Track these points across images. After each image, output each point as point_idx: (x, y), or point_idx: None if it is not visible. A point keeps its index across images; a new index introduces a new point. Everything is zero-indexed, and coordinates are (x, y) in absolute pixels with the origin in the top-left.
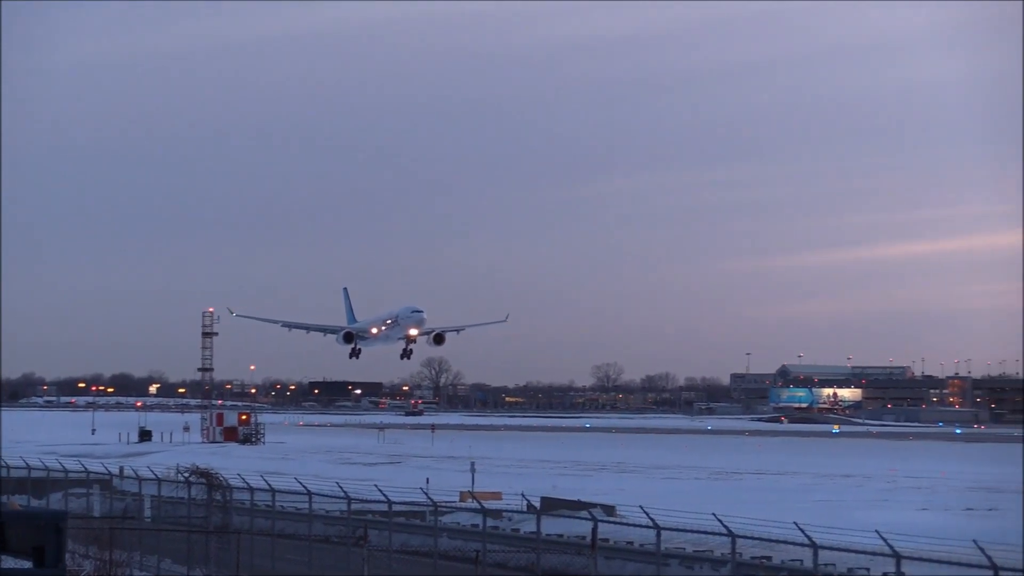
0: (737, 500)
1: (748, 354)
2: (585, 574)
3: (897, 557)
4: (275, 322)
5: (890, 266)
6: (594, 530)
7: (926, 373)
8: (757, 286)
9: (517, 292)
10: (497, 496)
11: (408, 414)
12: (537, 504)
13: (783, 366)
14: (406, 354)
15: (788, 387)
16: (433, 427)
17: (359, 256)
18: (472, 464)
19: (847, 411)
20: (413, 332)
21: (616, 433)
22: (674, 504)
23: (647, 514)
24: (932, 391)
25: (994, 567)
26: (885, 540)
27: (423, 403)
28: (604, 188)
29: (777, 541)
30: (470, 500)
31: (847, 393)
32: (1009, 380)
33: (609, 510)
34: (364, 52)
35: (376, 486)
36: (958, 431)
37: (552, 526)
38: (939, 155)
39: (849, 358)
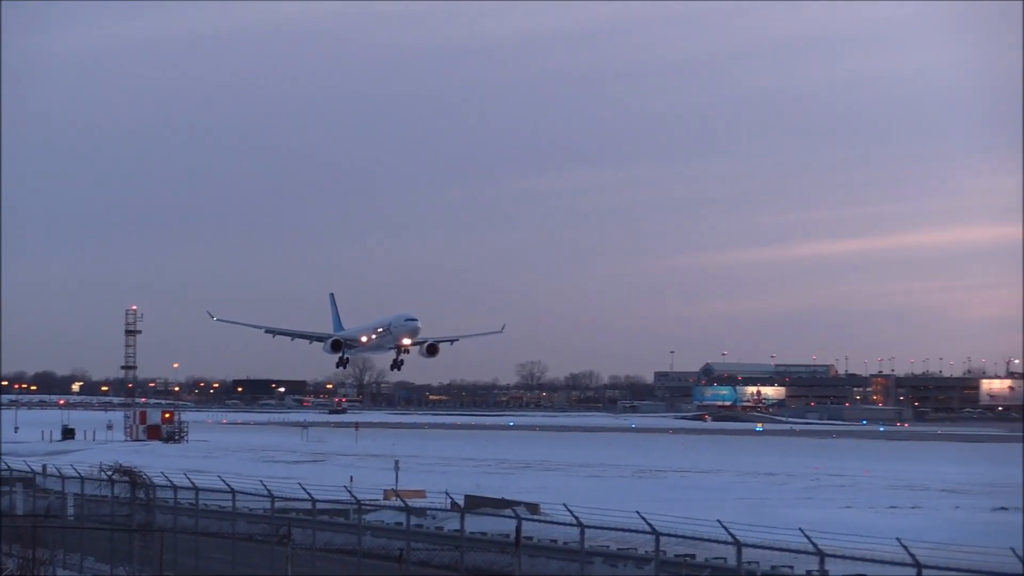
0: (661, 498)
1: (672, 352)
2: (509, 572)
3: (821, 555)
4: (257, 327)
5: (813, 264)
6: (518, 528)
7: (849, 371)
8: (681, 284)
9: (440, 290)
10: (421, 494)
11: (332, 412)
12: (461, 502)
13: (707, 364)
14: (396, 365)
15: (712, 385)
16: (357, 425)
17: (285, 252)
18: (396, 462)
19: (770, 409)
20: (406, 341)
21: (540, 431)
22: (598, 502)
23: (571, 512)
24: (855, 389)
25: (917, 565)
26: (809, 538)
27: (347, 401)
28: (529, 186)
29: (701, 539)
30: (394, 498)
31: (771, 391)
32: (932, 378)
33: (533, 508)
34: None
35: (300, 484)
36: (881, 429)
37: (476, 524)
38: (865, 154)
39: (773, 356)
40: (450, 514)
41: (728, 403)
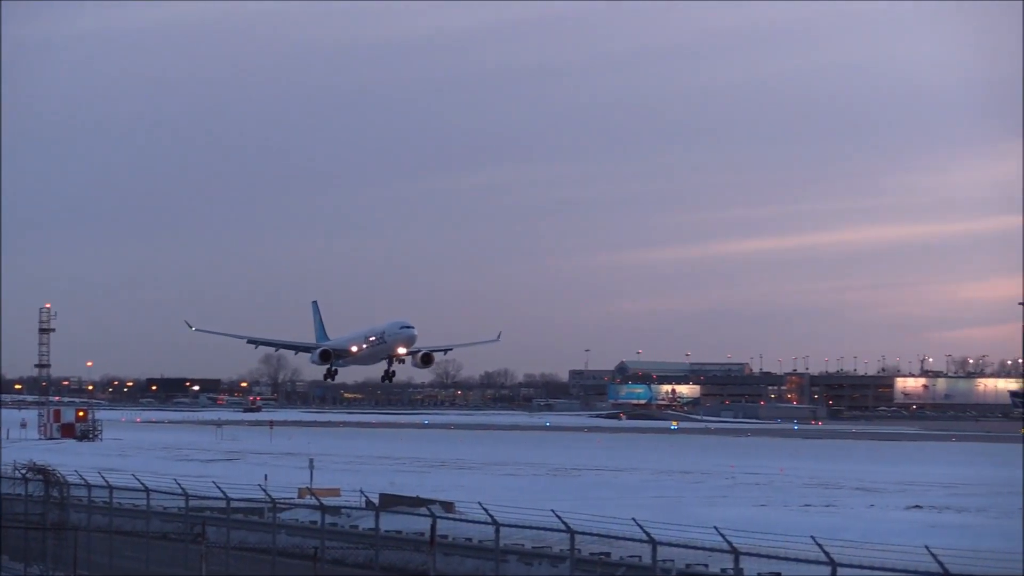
0: (576, 496)
1: (587, 351)
2: (424, 571)
3: (736, 553)
4: (239, 338)
5: (729, 263)
6: (433, 527)
7: (764, 370)
8: (596, 283)
9: (354, 287)
10: (336, 493)
11: (246, 410)
12: (376, 501)
13: (622, 363)
14: (388, 376)
15: (627, 384)
16: (271, 423)
17: (213, 249)
18: (311, 461)
19: (685, 407)
20: (401, 350)
21: (455, 430)
22: (513, 500)
23: (486, 510)
24: (770, 388)
25: (832, 563)
26: (724, 536)
27: (261, 399)
28: (443, 185)
29: (616, 537)
30: (308, 497)
31: (685, 389)
32: (846, 376)
33: (448, 507)
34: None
35: (214, 483)
36: (796, 427)
37: (391, 523)
38: (781, 153)
39: (687, 355)
40: (365, 512)
41: (643, 401)
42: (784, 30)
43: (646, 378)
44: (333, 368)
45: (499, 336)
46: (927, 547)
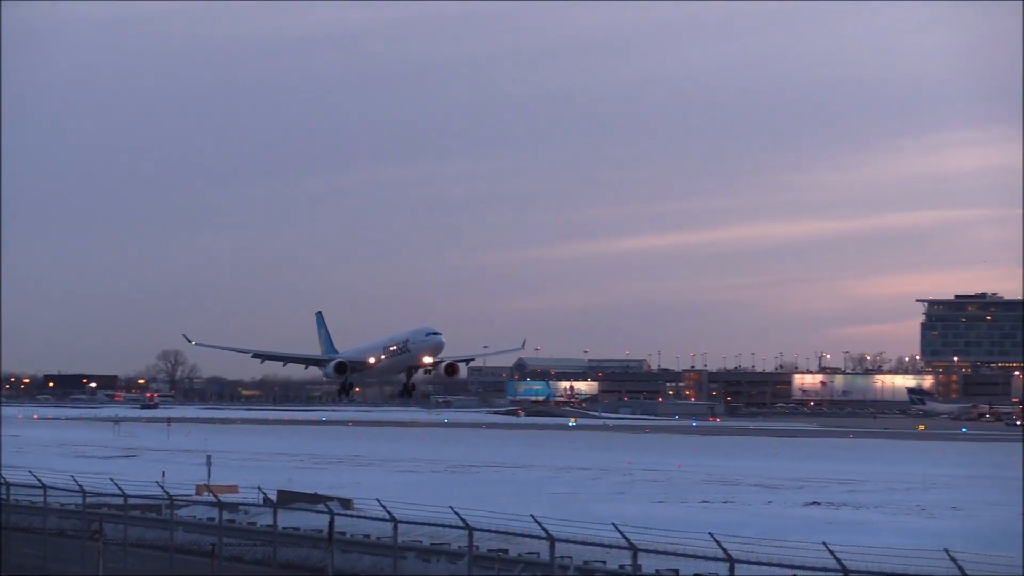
0: (474, 493)
1: (485, 347)
2: (322, 568)
3: (634, 550)
4: (243, 352)
5: (628, 259)
6: (331, 523)
7: (662, 366)
8: (493, 279)
9: (249, 285)
10: (233, 489)
11: (144, 407)
12: (274, 497)
13: (520, 359)
14: (408, 390)
15: (525, 380)
16: (169, 420)
17: (113, 245)
18: (208, 458)
19: (584, 404)
20: (427, 360)
21: (353, 426)
22: (411, 497)
23: (384, 507)
24: (668, 384)
25: (730, 559)
26: (622, 533)
27: (159, 396)
28: (338, 180)
29: (514, 534)
30: (206, 493)
31: (584, 386)
32: (744, 373)
33: (346, 503)
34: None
35: (112, 480)
36: (694, 424)
37: (289, 519)
38: (675, 149)
39: (586, 351)
40: (263, 509)
41: (541, 398)
42: (689, 26)
43: (544, 375)
44: (348, 382)
45: (523, 344)
46: (825, 544)
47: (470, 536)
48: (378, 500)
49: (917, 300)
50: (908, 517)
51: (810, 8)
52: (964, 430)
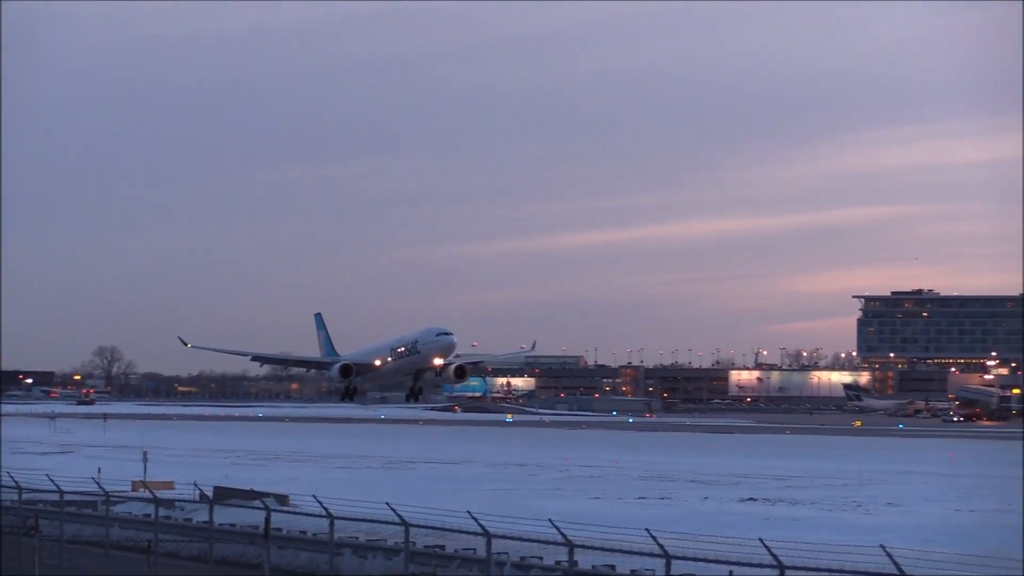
0: (411, 489)
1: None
2: (258, 564)
3: (570, 546)
4: (241, 355)
5: (563, 256)
6: (267, 519)
7: (599, 362)
8: (430, 275)
9: (179, 280)
10: (170, 486)
11: (80, 403)
12: (210, 494)
13: (456, 355)
14: (414, 393)
15: None
16: (105, 416)
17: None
18: (144, 454)
19: (520, 400)
20: (438, 361)
21: (289, 423)
22: (348, 494)
23: (320, 503)
24: (605, 380)
25: (666, 555)
26: (558, 528)
27: (95, 392)
28: (278, 176)
29: (451, 530)
30: (142, 490)
31: (520, 382)
32: (681, 369)
33: (282, 499)
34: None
35: (48, 476)
36: (631, 420)
37: (225, 516)
38: (612, 147)
39: (523, 347)
40: (199, 505)
41: (478, 394)
42: (628, 23)
43: (481, 370)
44: (352, 386)
45: (533, 345)
46: (761, 540)
47: (406, 532)
48: (314, 496)
49: (854, 296)
50: (844, 513)
51: (748, 7)
52: (900, 426)
